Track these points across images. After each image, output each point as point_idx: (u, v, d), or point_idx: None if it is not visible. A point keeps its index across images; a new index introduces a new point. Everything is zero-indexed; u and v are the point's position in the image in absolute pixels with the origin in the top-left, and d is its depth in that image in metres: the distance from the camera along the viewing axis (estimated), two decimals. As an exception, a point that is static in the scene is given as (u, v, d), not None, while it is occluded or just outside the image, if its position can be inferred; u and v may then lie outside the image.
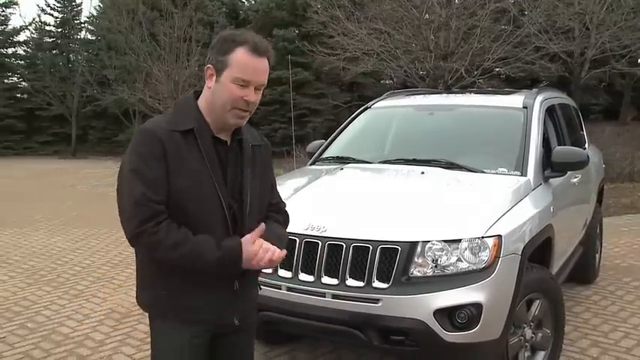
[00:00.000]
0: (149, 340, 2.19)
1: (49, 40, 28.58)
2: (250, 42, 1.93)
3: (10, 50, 28.81)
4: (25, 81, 28.32)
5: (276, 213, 2.22)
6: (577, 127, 5.54)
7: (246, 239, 1.93)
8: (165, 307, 2.04)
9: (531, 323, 3.43)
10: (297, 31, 20.73)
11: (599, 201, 5.82)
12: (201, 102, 2.02)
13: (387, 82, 21.92)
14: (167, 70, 16.71)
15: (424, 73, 13.33)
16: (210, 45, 2.03)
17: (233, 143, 2.05)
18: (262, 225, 1.97)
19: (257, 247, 1.93)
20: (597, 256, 5.74)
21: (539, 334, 3.47)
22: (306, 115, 21.12)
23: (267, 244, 1.95)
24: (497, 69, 14.46)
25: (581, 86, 15.61)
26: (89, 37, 28.60)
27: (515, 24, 12.81)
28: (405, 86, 16.63)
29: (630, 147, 14.61)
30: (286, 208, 2.31)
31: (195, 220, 1.92)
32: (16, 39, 28.75)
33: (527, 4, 13.34)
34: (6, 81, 28.08)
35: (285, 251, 2.01)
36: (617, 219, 8.85)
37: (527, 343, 3.41)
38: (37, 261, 6.86)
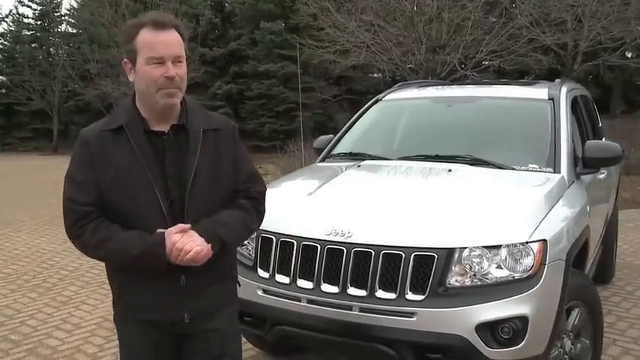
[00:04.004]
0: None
1: (27, 33, 27.83)
2: (149, 20, 1.91)
3: (-13, 44, 28.06)
4: (2, 75, 27.56)
5: (243, 199, 2.11)
6: (595, 119, 5.28)
7: (168, 233, 1.89)
8: (120, 306, 2.10)
9: (570, 334, 3.15)
10: (284, 24, 20.33)
11: (615, 197, 5.58)
12: (136, 99, 2.00)
13: (376, 75, 21.63)
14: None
15: (415, 66, 13.08)
16: (123, 42, 2.00)
17: (170, 132, 1.97)
18: (188, 225, 1.91)
19: (169, 244, 1.87)
20: (614, 254, 5.50)
21: (579, 345, 3.19)
22: (294, 110, 20.75)
23: (184, 242, 1.87)
24: (490, 61, 14.28)
25: (573, 79, 15.46)
26: (70, 30, 27.89)
27: (508, 16, 12.62)
28: (395, 80, 16.38)
29: (625, 140, 14.46)
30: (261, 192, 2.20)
31: (132, 215, 1.92)
32: (-8, 32, 27.99)
33: (518, -4, 13.16)
34: (-17, 76, 27.35)
35: (208, 248, 1.90)
36: (620, 214, 8.63)
37: (566, 356, 3.13)
38: (20, 265, 6.46)
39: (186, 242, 1.88)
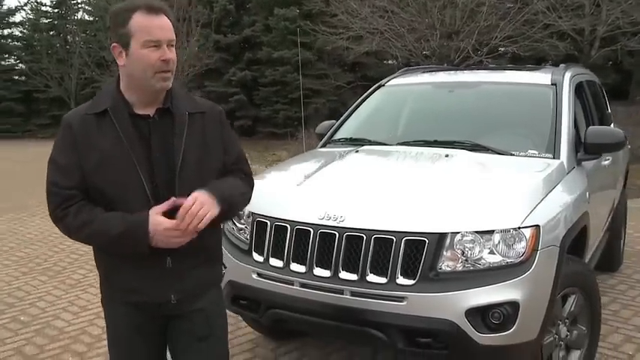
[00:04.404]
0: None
1: (45, 21, 28.08)
2: (143, 4, 1.91)
3: (6, 31, 28.37)
4: (22, 63, 27.87)
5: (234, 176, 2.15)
6: (603, 105, 5.20)
7: (153, 211, 1.89)
8: (107, 289, 2.12)
9: (566, 320, 3.13)
10: (298, 10, 20.23)
11: (624, 184, 5.50)
12: (121, 83, 2.00)
13: (391, 62, 21.44)
14: (166, 50, 16.34)
15: (429, 52, 12.95)
16: (112, 27, 1.97)
17: (155, 116, 1.99)
18: (172, 199, 1.91)
19: (155, 223, 1.88)
20: (622, 242, 5.44)
21: (575, 332, 3.18)
22: (308, 97, 20.71)
23: (171, 223, 1.88)
24: (504, 48, 14.07)
25: (590, 65, 15.21)
26: (87, 17, 28.09)
27: (523, 1, 12.41)
28: (409, 66, 16.16)
29: (640, 128, 14.23)
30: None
31: (116, 199, 1.93)
32: (11, 20, 28.29)
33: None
34: (3, 63, 27.67)
35: (216, 210, 1.92)
36: (632, 202, 8.51)
37: (561, 342, 3.12)
38: (32, 248, 6.58)
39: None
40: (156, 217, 1.89)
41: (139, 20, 1.89)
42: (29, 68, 26.39)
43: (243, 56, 21.71)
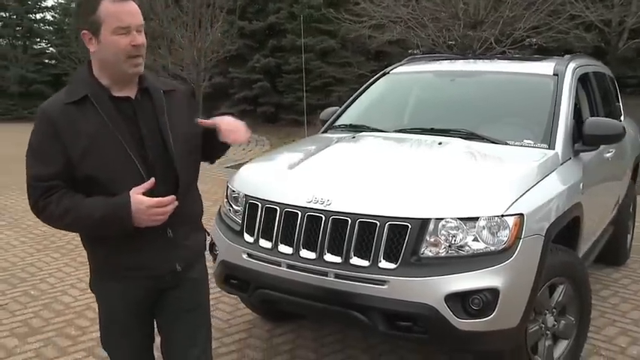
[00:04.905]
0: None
1: (74, 5, 28.46)
2: None
3: (38, 16, 28.82)
4: (52, 47, 28.34)
5: None
6: (612, 97, 5.13)
7: (133, 192, 1.93)
8: (105, 272, 2.12)
9: (554, 310, 3.15)
10: (322, -2, 20.19)
11: (634, 178, 5.43)
12: (94, 68, 2.03)
13: (415, 51, 21.27)
14: (190, 36, 16.44)
15: (452, 42, 12.83)
16: (81, 14, 2.01)
17: (138, 95, 2.05)
18: (152, 180, 1.96)
19: (137, 202, 1.92)
20: (629, 236, 5.39)
21: (562, 322, 3.19)
22: (331, 84, 20.70)
23: (152, 201, 1.93)
24: (528, 39, 13.86)
25: (617, 57, 14.92)
26: (115, 1, 28.38)
27: (550, -9, 12.19)
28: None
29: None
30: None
31: (110, 184, 1.95)
32: (44, 4, 28.73)
33: (563, -30, 12.66)
34: (34, 46, 28.14)
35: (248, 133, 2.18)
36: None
37: (548, 331, 3.13)
38: (49, 227, 6.74)
39: (156, 201, 1.93)
40: (137, 197, 1.93)
41: (107, 7, 1.92)
42: (59, 52, 26.82)
43: (268, 43, 21.74)
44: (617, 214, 4.81)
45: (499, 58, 4.61)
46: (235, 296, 4.10)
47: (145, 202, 1.93)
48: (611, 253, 4.98)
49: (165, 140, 2.03)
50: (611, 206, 4.55)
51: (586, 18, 12.83)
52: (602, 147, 3.85)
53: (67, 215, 1.94)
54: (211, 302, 3.58)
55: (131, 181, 1.96)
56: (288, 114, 20.94)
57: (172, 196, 1.98)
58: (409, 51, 19.09)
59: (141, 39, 1.97)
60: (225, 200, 3.49)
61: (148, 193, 1.95)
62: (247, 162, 3.81)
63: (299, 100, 20.55)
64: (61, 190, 1.96)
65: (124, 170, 1.97)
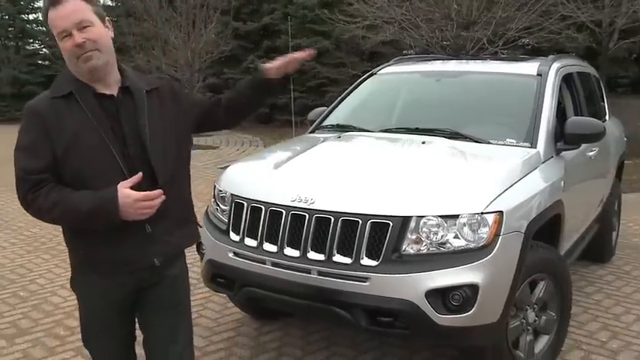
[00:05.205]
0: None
1: (69, 6, 28.46)
2: (47, 0, 1.99)
3: (31, 16, 28.76)
4: (45, 47, 28.27)
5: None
6: (597, 97, 5.20)
7: (121, 186, 1.96)
8: (86, 267, 2.15)
9: (535, 306, 3.20)
10: (317, -1, 20.24)
11: (619, 176, 5.50)
12: None
13: (409, 52, 21.33)
14: (184, 37, 16.47)
15: (446, 42, 12.89)
16: None
17: (120, 94, 2.09)
18: (140, 174, 1.99)
19: (124, 196, 1.95)
20: (614, 234, 5.45)
21: (543, 318, 3.24)
22: (325, 85, 20.75)
23: (139, 194, 1.97)
24: (521, 39, 13.92)
25: (609, 58, 15.00)
26: (109, 3, 28.36)
27: (542, -8, 12.27)
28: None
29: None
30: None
31: (94, 179, 1.99)
32: (36, 5, 28.65)
33: (554, -30, 12.74)
34: (27, 47, 28.08)
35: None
36: (631, 196, 8.43)
37: (529, 327, 3.19)
38: (40, 228, 6.76)
39: (142, 194, 1.97)
40: (124, 191, 1.95)
41: (50, 17, 1.98)
42: (52, 53, 26.75)
43: (262, 44, 21.78)
44: (601, 211, 4.87)
45: (488, 59, 4.66)
46: (224, 295, 4.14)
47: (132, 196, 1.96)
48: (597, 250, 5.04)
49: (143, 140, 2.06)
50: (595, 204, 4.61)
51: (577, 19, 12.89)
52: (584, 146, 3.91)
53: (55, 208, 1.97)
54: (200, 301, 3.63)
55: (112, 178, 1.99)
56: (282, 115, 20.94)
57: (159, 190, 2.01)
58: (403, 52, 19.17)
59: (85, 36, 1.96)
60: (213, 200, 3.54)
61: (133, 188, 1.99)
62: (234, 162, 3.85)
63: (293, 100, 20.62)
64: (49, 183, 1.99)
65: (105, 167, 2.00)
